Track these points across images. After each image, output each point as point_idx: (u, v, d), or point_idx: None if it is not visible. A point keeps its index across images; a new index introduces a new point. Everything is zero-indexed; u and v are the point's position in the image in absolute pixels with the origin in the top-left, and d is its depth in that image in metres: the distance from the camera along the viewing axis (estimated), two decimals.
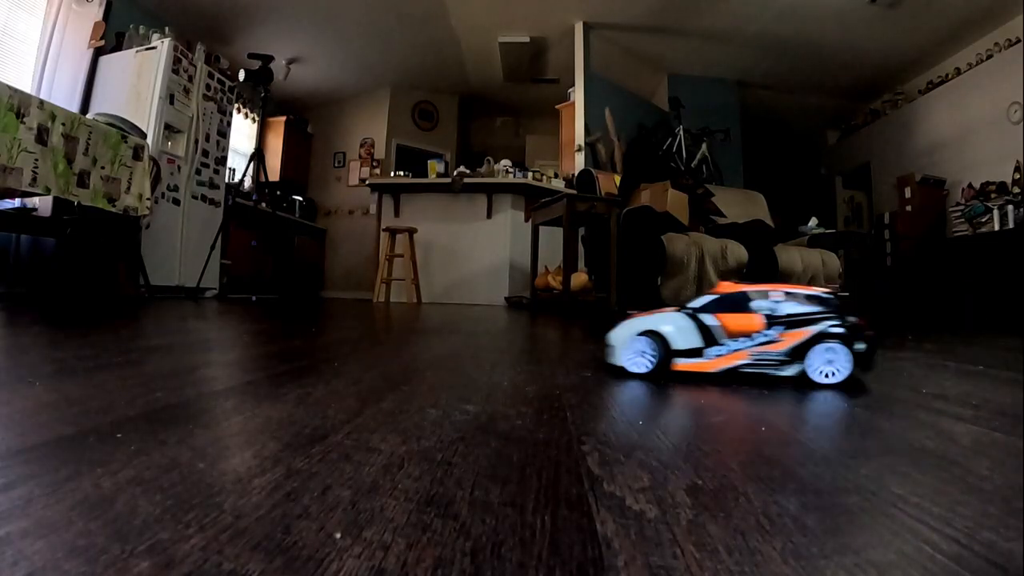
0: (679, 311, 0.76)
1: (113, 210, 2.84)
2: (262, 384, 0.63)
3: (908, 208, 5.26)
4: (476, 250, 4.73)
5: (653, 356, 0.74)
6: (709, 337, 0.73)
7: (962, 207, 4.79)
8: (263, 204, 4.85)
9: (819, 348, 0.72)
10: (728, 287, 0.76)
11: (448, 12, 5.05)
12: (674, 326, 0.74)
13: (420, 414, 0.50)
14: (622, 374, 0.75)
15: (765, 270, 3.69)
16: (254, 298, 4.08)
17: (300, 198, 6.46)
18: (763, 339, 0.73)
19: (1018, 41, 4.47)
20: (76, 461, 0.33)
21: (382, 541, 0.24)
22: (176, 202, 3.87)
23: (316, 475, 0.33)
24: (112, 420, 0.44)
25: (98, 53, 3.89)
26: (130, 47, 3.92)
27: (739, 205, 4.50)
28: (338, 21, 5.15)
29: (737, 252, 3.55)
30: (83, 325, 1.37)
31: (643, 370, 0.74)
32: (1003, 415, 0.55)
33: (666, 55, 5.75)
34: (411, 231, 4.40)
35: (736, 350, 0.73)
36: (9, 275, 2.92)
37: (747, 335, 0.73)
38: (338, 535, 0.25)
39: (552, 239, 4.00)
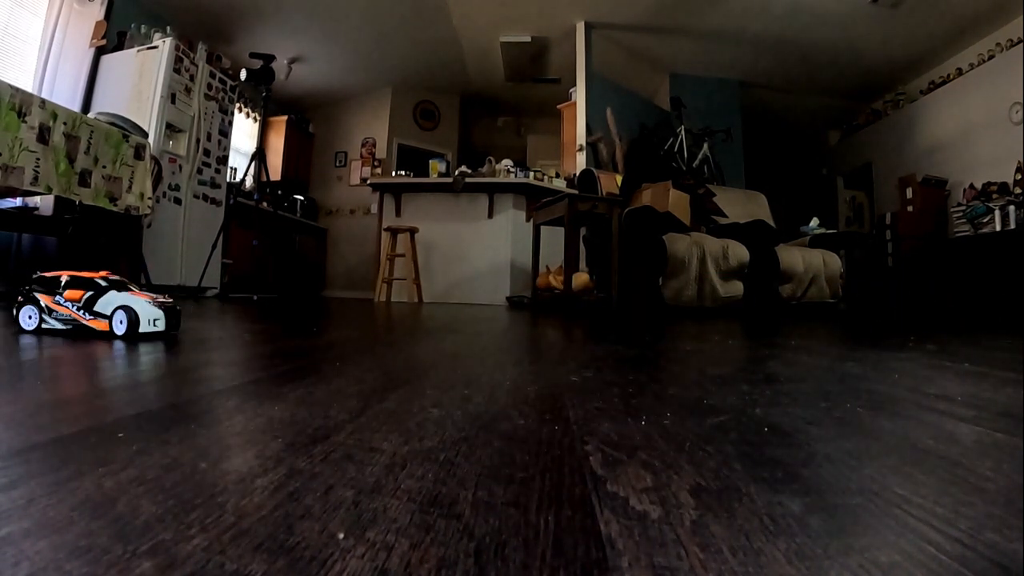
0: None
1: (115, 209, 2.85)
2: (264, 383, 0.63)
3: (909, 208, 5.25)
4: (477, 250, 4.73)
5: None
6: None
7: (964, 207, 4.78)
8: (264, 204, 4.85)
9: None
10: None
11: (450, 12, 5.04)
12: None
13: (422, 414, 0.50)
14: (626, 371, 0.75)
15: (767, 270, 3.69)
16: (255, 297, 4.08)
17: (301, 197, 6.46)
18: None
19: (1019, 42, 4.47)
20: (78, 461, 0.33)
21: (385, 542, 0.24)
22: (177, 201, 3.88)
23: (319, 475, 0.33)
24: (114, 419, 0.44)
25: (100, 52, 3.90)
26: (132, 46, 3.93)
27: (740, 205, 4.50)
28: (340, 20, 5.15)
29: (738, 252, 3.55)
30: None
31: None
32: (1006, 416, 0.55)
33: (668, 55, 5.74)
34: (412, 231, 4.41)
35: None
36: (10, 274, 2.93)
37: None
38: (341, 535, 0.25)
39: (553, 239, 4.00)
